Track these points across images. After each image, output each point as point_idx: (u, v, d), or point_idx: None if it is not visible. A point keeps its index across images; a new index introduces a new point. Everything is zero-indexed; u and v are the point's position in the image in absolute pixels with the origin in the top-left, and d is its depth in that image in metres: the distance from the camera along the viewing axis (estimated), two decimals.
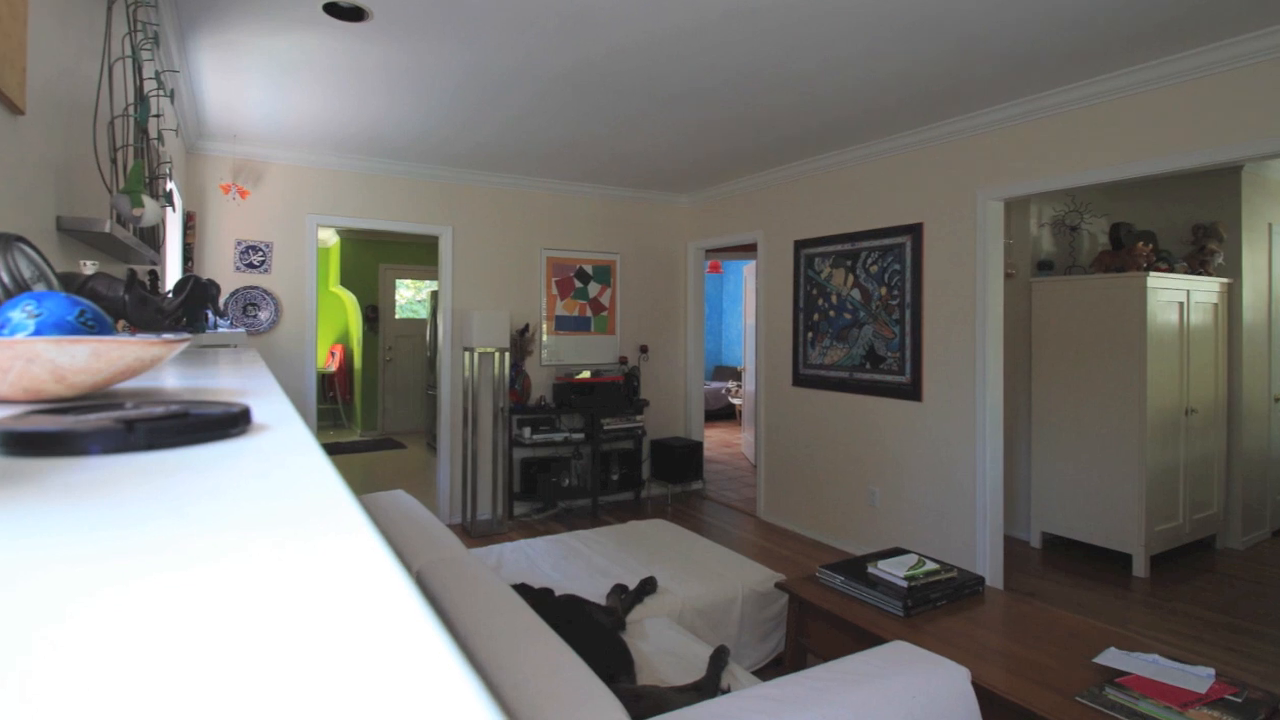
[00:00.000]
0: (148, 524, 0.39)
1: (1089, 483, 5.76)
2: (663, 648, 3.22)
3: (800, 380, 6.56)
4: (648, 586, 3.71)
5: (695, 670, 3.00)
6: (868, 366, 5.88)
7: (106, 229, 2.00)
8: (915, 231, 5.47)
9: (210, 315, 2.69)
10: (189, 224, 5.68)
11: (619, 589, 3.66)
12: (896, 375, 5.62)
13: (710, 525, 6.79)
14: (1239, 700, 2.50)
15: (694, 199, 8.05)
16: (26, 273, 1.19)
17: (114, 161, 2.55)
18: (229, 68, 4.22)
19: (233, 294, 5.96)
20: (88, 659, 0.23)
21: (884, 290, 5.74)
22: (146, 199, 2.38)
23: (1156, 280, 5.59)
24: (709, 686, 3.00)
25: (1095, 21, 3.46)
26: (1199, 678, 2.62)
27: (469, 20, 3.54)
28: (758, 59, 4.02)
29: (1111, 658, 2.81)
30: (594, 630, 3.05)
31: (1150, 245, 5.82)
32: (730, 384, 13.87)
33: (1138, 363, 5.51)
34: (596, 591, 3.72)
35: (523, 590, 3.40)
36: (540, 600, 3.34)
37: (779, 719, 1.91)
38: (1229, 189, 6.17)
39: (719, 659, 3.02)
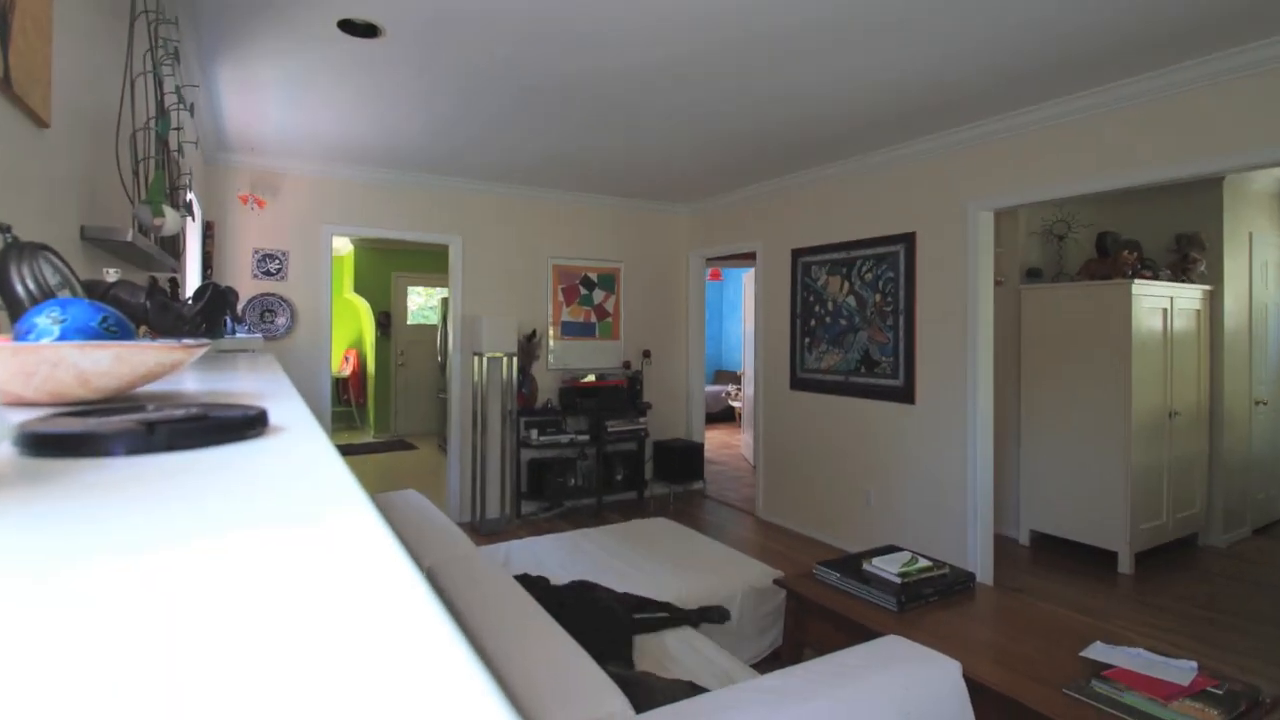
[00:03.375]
0: (169, 520, 0.39)
1: (1076, 482, 5.77)
2: (667, 642, 3.24)
3: (798, 384, 6.57)
4: (711, 615, 3.59)
5: (696, 665, 3.01)
6: (863, 370, 5.88)
7: (129, 238, 2.00)
8: (908, 241, 5.48)
9: (229, 321, 2.71)
10: (208, 233, 5.69)
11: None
12: (890, 379, 5.63)
13: (711, 524, 6.80)
14: (1220, 692, 2.51)
15: (695, 209, 8.07)
16: (52, 280, 1.19)
17: (136, 173, 2.56)
18: (247, 82, 4.24)
19: (250, 301, 5.99)
20: (110, 650, 0.23)
21: (878, 297, 5.75)
22: (167, 209, 2.39)
23: (1141, 288, 5.61)
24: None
25: (1081, 40, 3.49)
26: (1182, 670, 2.63)
27: (478, 37, 3.56)
28: (756, 76, 4.05)
29: (1098, 651, 2.82)
30: (592, 615, 3.07)
31: (1135, 254, 5.85)
32: (730, 387, 13.88)
33: (1123, 367, 5.53)
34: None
35: (523, 580, 3.43)
36: (536, 585, 3.37)
37: (777, 710, 1.92)
38: (1211, 199, 6.17)
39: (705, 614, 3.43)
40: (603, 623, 3.04)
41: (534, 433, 6.94)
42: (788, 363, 6.70)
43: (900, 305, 5.55)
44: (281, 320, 6.10)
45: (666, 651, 3.15)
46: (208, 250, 5.68)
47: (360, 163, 6.17)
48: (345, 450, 10.02)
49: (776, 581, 3.84)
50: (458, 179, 6.72)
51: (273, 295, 6.08)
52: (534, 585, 3.36)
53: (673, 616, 3.43)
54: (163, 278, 3.13)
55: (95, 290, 1.54)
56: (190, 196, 3.77)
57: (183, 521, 0.39)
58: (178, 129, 3.21)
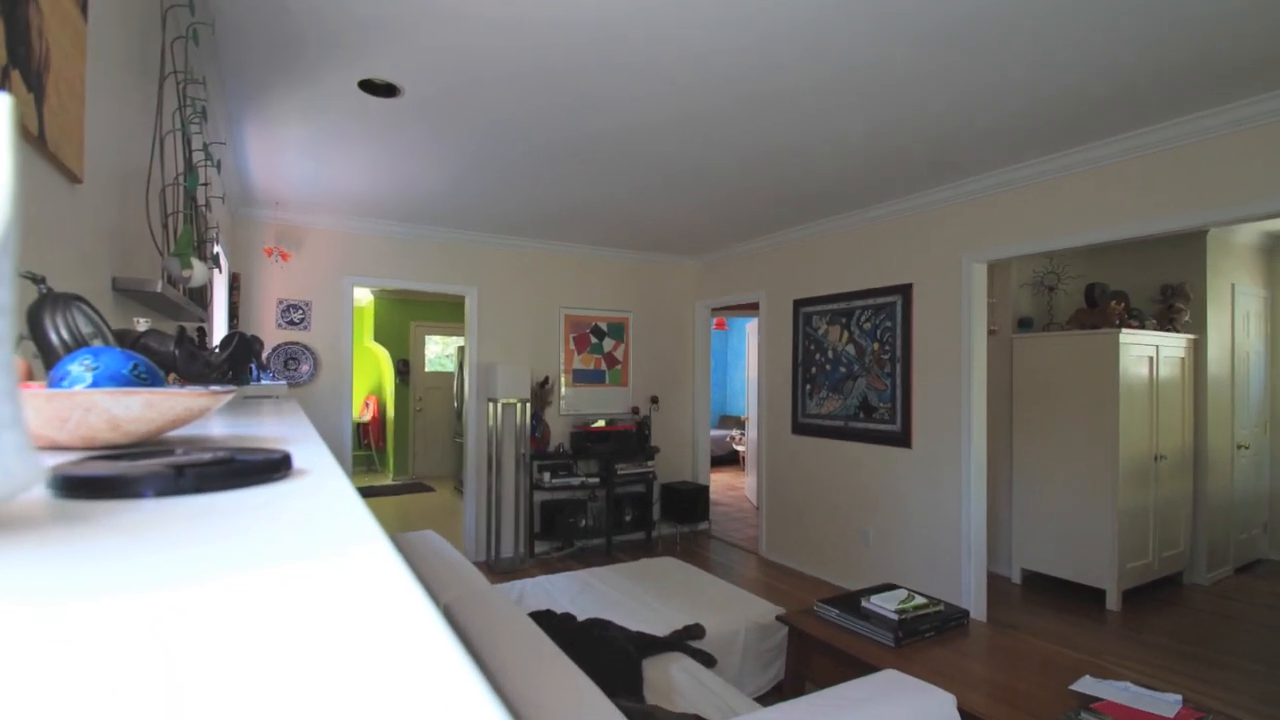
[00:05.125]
0: (196, 559, 0.40)
1: (1066, 523, 5.76)
2: (674, 676, 3.23)
3: (799, 429, 6.58)
4: (694, 631, 3.69)
5: (701, 699, 3.03)
6: (861, 416, 5.90)
7: (158, 289, 2.00)
8: (905, 291, 5.53)
9: (254, 369, 2.63)
10: (235, 285, 5.74)
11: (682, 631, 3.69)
12: (888, 424, 5.64)
13: (716, 563, 6.76)
14: None
15: (701, 261, 8.13)
16: (84, 329, 1.18)
17: (165, 227, 2.57)
18: (271, 140, 4.28)
19: (275, 349, 6.02)
20: (141, 683, 0.23)
21: (876, 345, 5.77)
22: (195, 261, 2.40)
23: (1128, 336, 5.63)
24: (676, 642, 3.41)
25: (1071, 100, 3.55)
26: (1167, 704, 2.63)
27: (491, 97, 3.59)
28: (761, 136, 4.09)
29: (1087, 685, 2.82)
30: (604, 650, 3.07)
31: (1122, 304, 5.86)
32: (734, 432, 13.79)
33: (1111, 412, 5.53)
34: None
35: (545, 616, 3.42)
36: (550, 622, 3.36)
37: None
38: (1195, 251, 6.22)
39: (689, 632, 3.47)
40: (614, 658, 3.02)
41: (546, 475, 6.95)
42: (789, 408, 6.70)
43: (897, 353, 5.57)
44: (305, 368, 6.13)
45: (674, 686, 3.12)
46: (234, 301, 5.73)
47: (380, 217, 6.22)
48: (365, 492, 10.00)
49: (779, 618, 3.82)
50: (473, 232, 6.78)
51: (296, 344, 6.12)
52: (548, 622, 3.34)
53: (661, 641, 3.45)
54: (191, 327, 3.08)
55: (126, 339, 1.54)
56: (217, 249, 3.76)
57: (209, 560, 0.39)
58: (205, 184, 3.19)
